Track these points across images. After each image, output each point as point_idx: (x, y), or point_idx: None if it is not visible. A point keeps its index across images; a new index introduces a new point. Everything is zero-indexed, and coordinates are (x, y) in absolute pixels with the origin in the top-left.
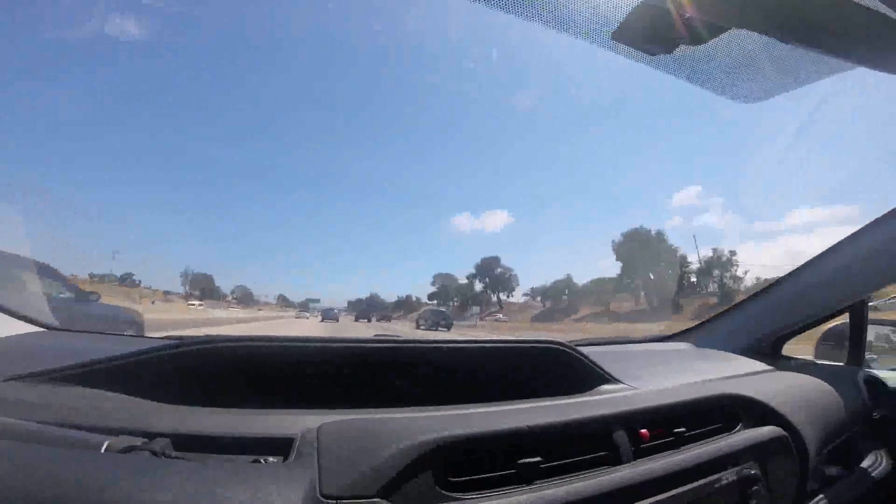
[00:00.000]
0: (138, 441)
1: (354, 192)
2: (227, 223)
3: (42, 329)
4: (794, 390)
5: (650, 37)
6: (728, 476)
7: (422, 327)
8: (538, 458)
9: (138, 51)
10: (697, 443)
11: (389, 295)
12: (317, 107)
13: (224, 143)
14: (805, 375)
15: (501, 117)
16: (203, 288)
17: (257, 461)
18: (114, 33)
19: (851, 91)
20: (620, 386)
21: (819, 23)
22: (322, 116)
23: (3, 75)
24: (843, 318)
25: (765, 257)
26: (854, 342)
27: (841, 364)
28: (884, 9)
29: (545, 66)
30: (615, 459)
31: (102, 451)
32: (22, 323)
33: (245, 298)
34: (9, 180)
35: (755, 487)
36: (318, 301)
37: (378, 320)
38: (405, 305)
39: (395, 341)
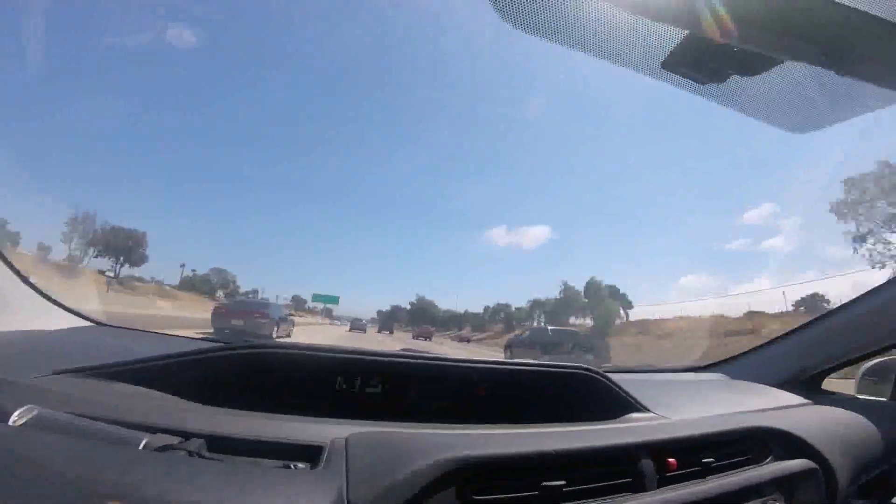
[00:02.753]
0: (175, 440)
1: (382, 199)
2: (241, 219)
3: (91, 324)
4: (829, 424)
5: (700, 67)
6: None
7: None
8: (562, 482)
9: (155, 57)
10: (724, 473)
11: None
12: (346, 116)
13: (256, 149)
14: (842, 409)
15: (551, 131)
16: (122, 256)
17: (287, 466)
18: (132, 41)
19: None
20: (650, 415)
21: (866, 52)
22: (350, 125)
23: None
24: (887, 354)
25: (831, 290)
26: None
27: (884, 399)
28: None
29: (596, 79)
30: (639, 486)
31: (140, 447)
32: (72, 316)
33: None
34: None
35: None
36: (335, 300)
37: (415, 338)
38: (486, 319)
39: (426, 357)
